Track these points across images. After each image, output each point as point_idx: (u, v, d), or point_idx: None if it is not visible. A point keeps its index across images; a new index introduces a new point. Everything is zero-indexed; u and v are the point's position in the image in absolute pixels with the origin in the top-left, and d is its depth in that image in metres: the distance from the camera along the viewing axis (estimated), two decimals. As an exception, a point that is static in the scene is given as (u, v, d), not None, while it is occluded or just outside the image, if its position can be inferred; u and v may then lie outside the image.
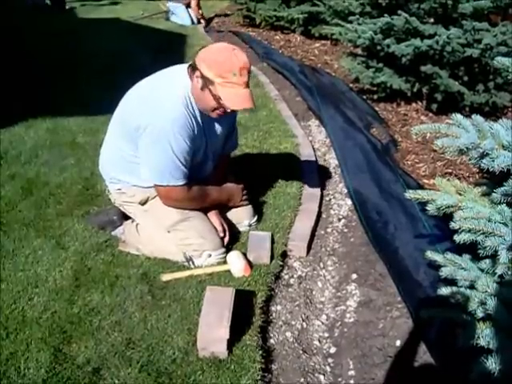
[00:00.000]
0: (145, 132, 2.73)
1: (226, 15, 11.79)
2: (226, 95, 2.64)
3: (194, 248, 2.97)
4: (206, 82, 2.65)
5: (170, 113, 2.72)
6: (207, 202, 3.09)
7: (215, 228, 3.07)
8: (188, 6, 10.99)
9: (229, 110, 2.77)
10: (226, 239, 3.12)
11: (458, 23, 4.78)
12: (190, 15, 10.89)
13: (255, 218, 3.36)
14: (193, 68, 2.72)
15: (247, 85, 2.69)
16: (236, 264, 2.92)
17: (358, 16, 5.60)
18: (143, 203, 3.06)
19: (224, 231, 3.12)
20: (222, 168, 3.33)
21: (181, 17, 10.84)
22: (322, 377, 2.50)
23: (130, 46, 8.14)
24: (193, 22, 10.84)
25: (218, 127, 3.06)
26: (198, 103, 2.79)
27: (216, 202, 3.15)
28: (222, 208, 3.23)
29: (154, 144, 2.74)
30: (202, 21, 11.19)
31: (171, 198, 2.92)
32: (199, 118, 2.84)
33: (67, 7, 12.21)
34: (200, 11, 11.23)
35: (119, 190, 3.09)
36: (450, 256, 2.35)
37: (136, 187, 3.02)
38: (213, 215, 3.12)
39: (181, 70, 2.87)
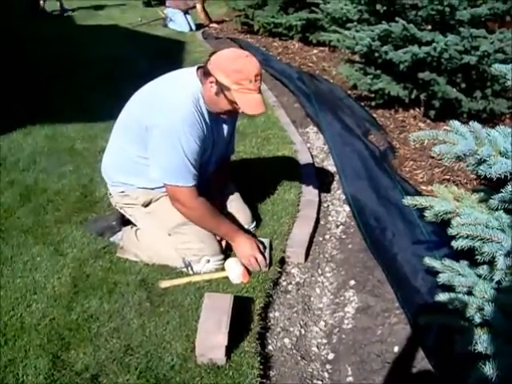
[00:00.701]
0: (155, 130, 2.76)
1: (225, 22, 11.81)
2: (242, 101, 2.72)
3: (194, 253, 2.98)
4: (222, 88, 2.72)
5: (179, 111, 2.76)
6: (214, 224, 3.03)
7: (214, 234, 3.08)
8: (186, 12, 11.01)
9: (240, 111, 2.82)
10: (224, 243, 3.13)
11: (455, 30, 4.79)
12: (188, 21, 10.90)
13: (254, 223, 3.36)
14: (205, 73, 2.78)
15: (260, 89, 2.78)
16: (234, 270, 2.92)
17: (355, 23, 5.61)
18: (146, 205, 3.07)
19: None
20: (223, 172, 3.36)
21: (179, 23, 10.85)
22: (320, 383, 2.50)
23: (129, 53, 8.15)
24: (191, 29, 10.86)
25: (224, 127, 3.11)
26: (211, 106, 2.85)
27: (221, 234, 3.09)
28: (221, 211, 3.22)
29: (165, 142, 2.77)
30: (211, 24, 11.25)
31: (178, 200, 2.89)
32: (207, 119, 2.88)
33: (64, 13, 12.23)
34: (207, 17, 11.32)
35: (122, 192, 3.10)
36: (447, 262, 2.36)
37: (140, 189, 3.04)
38: None
39: (185, 72, 2.95)
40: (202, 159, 2.95)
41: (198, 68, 2.89)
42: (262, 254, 3.03)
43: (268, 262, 3.05)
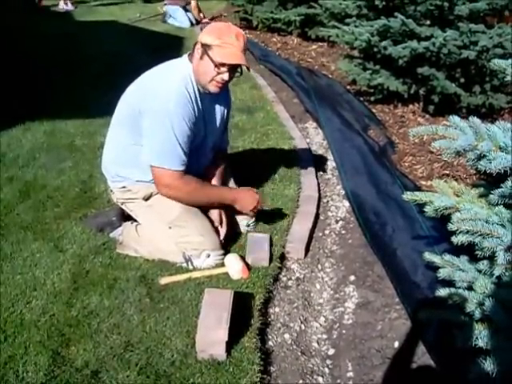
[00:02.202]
0: (148, 113, 2.80)
1: (222, 16, 11.78)
2: (223, 54, 2.76)
3: (194, 247, 2.97)
4: (206, 49, 2.78)
5: (171, 93, 2.80)
6: (205, 198, 3.07)
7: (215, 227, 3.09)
8: (186, 8, 10.98)
9: (226, 77, 2.84)
10: (223, 232, 3.12)
11: (454, 25, 4.79)
12: (188, 17, 10.88)
13: (253, 219, 3.35)
14: (193, 47, 2.88)
15: (244, 51, 2.82)
16: (234, 266, 2.92)
17: (354, 18, 5.62)
18: (147, 198, 3.07)
19: (221, 222, 3.12)
20: (221, 167, 3.34)
21: (179, 19, 10.82)
22: (320, 378, 2.50)
23: (128, 49, 8.13)
24: (192, 24, 10.83)
25: (216, 113, 3.16)
26: (198, 77, 2.88)
27: (218, 201, 3.11)
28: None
29: (157, 123, 2.80)
30: (204, 20, 11.20)
31: (165, 184, 2.91)
32: (199, 101, 2.92)
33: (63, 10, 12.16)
34: (200, 13, 11.26)
35: (124, 187, 3.10)
36: (447, 257, 2.36)
37: (140, 183, 3.04)
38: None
39: (178, 59, 3.00)
40: (194, 144, 2.97)
41: (189, 54, 2.95)
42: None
43: (268, 257, 3.05)
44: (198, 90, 2.90)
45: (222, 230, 3.13)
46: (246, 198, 3.14)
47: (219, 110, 3.17)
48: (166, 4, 11.07)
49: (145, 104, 2.81)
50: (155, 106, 2.78)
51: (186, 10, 10.98)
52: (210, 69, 2.80)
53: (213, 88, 2.89)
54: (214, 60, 2.76)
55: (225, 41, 2.74)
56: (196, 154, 3.03)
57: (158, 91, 2.82)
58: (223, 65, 2.78)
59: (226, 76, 2.83)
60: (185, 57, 2.96)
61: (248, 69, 2.92)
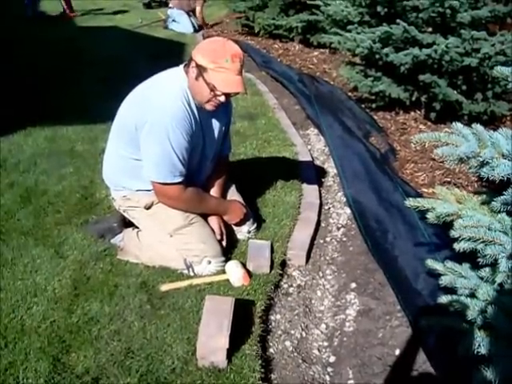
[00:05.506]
0: (144, 127, 2.78)
1: (223, 22, 11.79)
2: (218, 80, 2.73)
3: (195, 253, 2.97)
4: (201, 70, 2.73)
5: (168, 107, 2.78)
6: (203, 207, 3.12)
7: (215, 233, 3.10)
8: (189, 13, 10.99)
9: (222, 99, 2.82)
10: (224, 243, 3.13)
11: (456, 32, 4.79)
12: (192, 23, 10.89)
13: (255, 225, 3.36)
14: (189, 61, 2.82)
15: (239, 72, 2.77)
16: (235, 273, 2.91)
17: (356, 25, 5.61)
18: (148, 207, 3.07)
19: (221, 234, 3.14)
20: (223, 173, 3.35)
21: (183, 24, 10.82)
22: (321, 386, 2.50)
23: (130, 55, 8.14)
24: (194, 30, 10.84)
25: (215, 126, 3.13)
26: (194, 95, 2.85)
27: (212, 212, 3.17)
28: None
29: (154, 138, 2.78)
30: (205, 27, 11.23)
31: (166, 195, 2.95)
32: (197, 115, 2.90)
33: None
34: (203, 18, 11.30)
35: (125, 196, 3.11)
36: (449, 264, 2.36)
37: (141, 192, 3.05)
38: (213, 219, 3.16)
39: (175, 69, 2.97)
40: (195, 158, 2.98)
41: (184, 65, 2.91)
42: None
43: (269, 264, 3.05)
44: (195, 103, 2.88)
45: (223, 243, 3.14)
46: (235, 212, 3.23)
47: (218, 121, 3.14)
48: (170, 7, 11.07)
49: (141, 119, 2.79)
50: (151, 119, 2.76)
51: (190, 16, 10.99)
52: (206, 91, 2.77)
53: (209, 107, 2.89)
54: (209, 85, 2.74)
55: (220, 65, 2.69)
56: (195, 164, 3.04)
57: (154, 106, 2.79)
58: None
59: (222, 98, 2.82)
60: (180, 68, 2.92)
61: (245, 93, 2.90)
